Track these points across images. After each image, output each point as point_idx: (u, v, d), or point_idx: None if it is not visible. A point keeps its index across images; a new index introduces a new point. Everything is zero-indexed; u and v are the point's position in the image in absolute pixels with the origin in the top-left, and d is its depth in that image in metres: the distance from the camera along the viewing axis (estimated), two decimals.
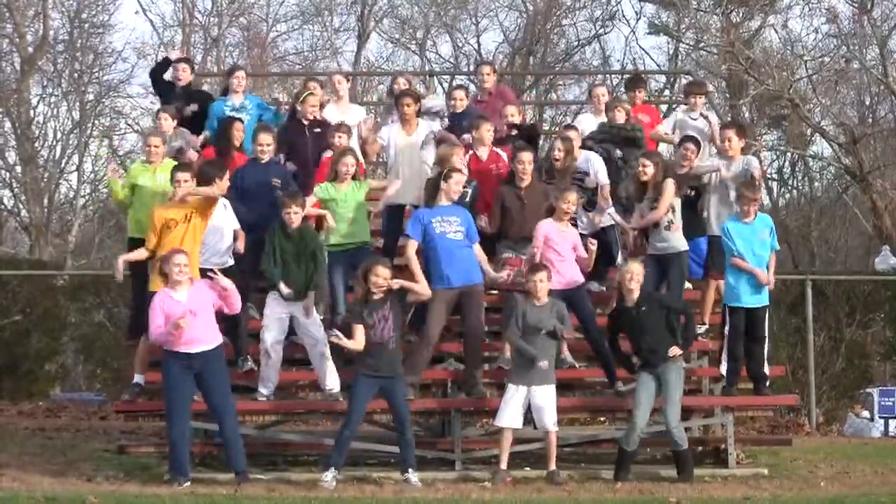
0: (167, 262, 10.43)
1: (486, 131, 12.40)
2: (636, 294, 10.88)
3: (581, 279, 11.53)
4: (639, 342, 10.92)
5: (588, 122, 13.48)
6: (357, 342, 10.47)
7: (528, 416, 10.88)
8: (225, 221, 11.60)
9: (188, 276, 10.44)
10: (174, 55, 14.44)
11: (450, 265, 11.23)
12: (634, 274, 10.87)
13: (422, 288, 10.93)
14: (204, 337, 10.43)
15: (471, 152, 12.37)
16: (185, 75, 13.67)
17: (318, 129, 12.85)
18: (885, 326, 18.71)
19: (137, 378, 11.66)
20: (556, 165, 12.11)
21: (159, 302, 10.40)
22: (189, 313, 10.22)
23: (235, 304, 10.63)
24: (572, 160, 12.18)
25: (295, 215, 11.28)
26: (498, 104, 13.43)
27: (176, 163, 11.80)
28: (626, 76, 16.43)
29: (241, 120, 12.80)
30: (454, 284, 11.25)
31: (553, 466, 10.75)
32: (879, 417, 19.00)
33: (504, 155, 12.43)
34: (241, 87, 13.44)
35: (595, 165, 12.39)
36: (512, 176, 11.87)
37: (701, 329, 12.16)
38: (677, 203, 11.87)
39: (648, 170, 11.79)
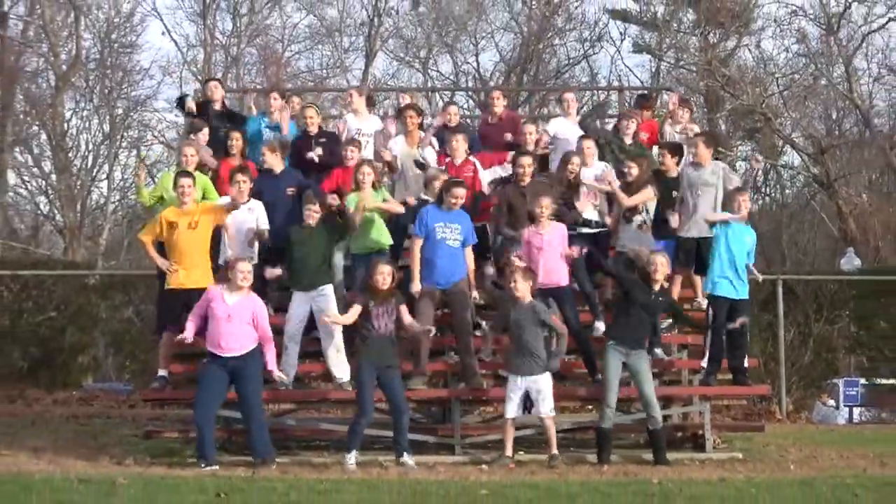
0: (232, 269, 10.68)
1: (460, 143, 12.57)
2: (658, 285, 10.93)
3: (565, 281, 11.48)
4: (634, 321, 10.93)
5: (560, 125, 13.47)
6: (347, 317, 10.69)
7: (527, 404, 10.93)
8: (251, 223, 11.67)
9: (249, 283, 10.62)
10: (189, 97, 14.13)
11: (440, 268, 11.32)
12: (660, 266, 10.91)
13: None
14: (238, 344, 10.56)
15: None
16: (218, 94, 13.60)
17: (323, 140, 12.87)
18: (850, 322, 18.74)
19: (161, 372, 11.69)
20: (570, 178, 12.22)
21: (210, 295, 10.64)
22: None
23: (265, 338, 10.76)
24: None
25: (315, 213, 11.33)
26: (507, 127, 13.45)
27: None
28: (638, 93, 16.33)
29: (239, 131, 12.78)
30: (440, 285, 11.33)
31: (555, 450, 10.77)
32: (844, 406, 19.03)
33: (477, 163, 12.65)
34: (278, 110, 13.35)
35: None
36: (512, 178, 12.00)
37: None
38: (651, 206, 11.98)
39: (633, 171, 11.87)
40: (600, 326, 11.74)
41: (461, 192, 11.46)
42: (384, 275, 10.63)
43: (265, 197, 11.90)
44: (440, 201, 11.51)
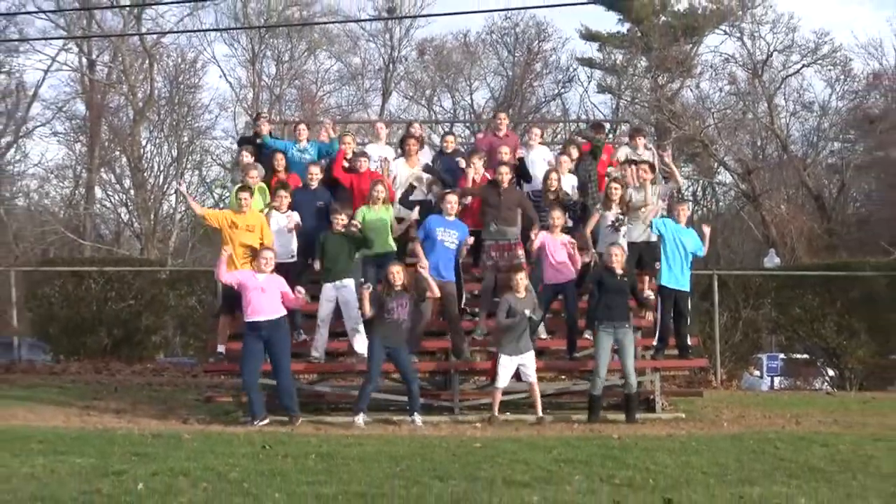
0: (258, 255, 10.82)
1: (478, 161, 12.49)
2: (619, 268, 10.88)
3: (570, 277, 11.41)
4: (610, 303, 10.83)
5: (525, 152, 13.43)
6: (366, 312, 10.64)
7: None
8: (289, 226, 11.67)
9: (272, 267, 10.70)
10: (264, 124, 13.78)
11: (436, 264, 11.25)
12: (614, 255, 10.90)
13: (422, 262, 10.96)
14: (269, 310, 10.58)
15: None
16: (264, 128, 13.49)
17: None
18: (772, 309, 18.69)
19: (220, 348, 11.67)
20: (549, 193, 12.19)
21: (243, 274, 10.74)
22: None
23: (292, 301, 10.78)
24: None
25: (342, 221, 11.33)
26: (511, 142, 13.41)
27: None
28: (592, 123, 16.23)
29: (282, 151, 12.72)
30: (440, 279, 11.25)
31: (541, 413, 10.75)
32: (767, 375, 19.08)
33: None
34: (303, 137, 13.33)
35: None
36: (495, 181, 11.90)
37: None
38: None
39: (618, 191, 11.82)
40: None
41: (452, 199, 11.46)
42: (393, 273, 10.59)
43: (303, 208, 11.89)
44: (440, 210, 11.56)
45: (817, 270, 19.45)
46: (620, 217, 11.78)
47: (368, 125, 14.67)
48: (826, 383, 18.18)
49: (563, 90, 38.32)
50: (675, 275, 11.44)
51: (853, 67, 35.55)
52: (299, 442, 8.95)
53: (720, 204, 38.29)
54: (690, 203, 11.00)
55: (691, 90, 35.60)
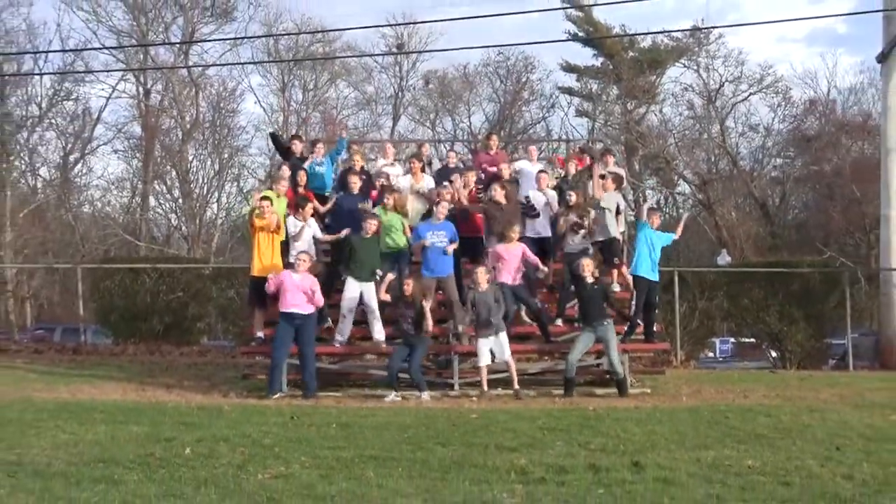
0: (296, 258, 10.85)
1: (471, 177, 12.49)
2: (589, 278, 10.81)
3: (521, 281, 11.33)
4: (587, 308, 10.84)
5: (524, 165, 13.36)
6: (382, 293, 10.88)
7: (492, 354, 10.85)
8: (311, 233, 11.63)
9: (305, 267, 10.71)
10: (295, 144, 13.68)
11: (433, 263, 11.25)
12: (584, 266, 10.81)
13: (430, 324, 10.67)
14: (300, 305, 10.56)
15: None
16: (297, 147, 13.52)
17: (364, 175, 12.84)
18: (724, 300, 18.67)
19: (259, 333, 11.65)
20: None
21: (281, 275, 10.70)
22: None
23: (318, 303, 10.74)
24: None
25: (371, 226, 11.34)
26: (499, 158, 13.39)
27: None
28: (580, 146, 16.23)
29: (304, 169, 12.66)
30: (433, 275, 11.26)
31: (517, 386, 10.72)
32: (720, 357, 19.04)
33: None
34: (320, 153, 13.32)
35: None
36: (492, 199, 11.87)
37: None
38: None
39: (572, 198, 11.79)
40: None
41: (442, 209, 11.45)
42: (407, 284, 10.63)
43: (346, 205, 11.87)
44: (429, 215, 11.49)
45: (762, 267, 19.39)
46: (578, 221, 11.73)
47: (381, 144, 14.58)
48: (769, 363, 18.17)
49: (546, 114, 38.37)
50: (647, 268, 11.44)
51: (792, 95, 35.81)
52: (322, 413, 8.95)
53: (680, 211, 38.27)
54: (662, 212, 11.06)
55: (655, 114, 35.66)
